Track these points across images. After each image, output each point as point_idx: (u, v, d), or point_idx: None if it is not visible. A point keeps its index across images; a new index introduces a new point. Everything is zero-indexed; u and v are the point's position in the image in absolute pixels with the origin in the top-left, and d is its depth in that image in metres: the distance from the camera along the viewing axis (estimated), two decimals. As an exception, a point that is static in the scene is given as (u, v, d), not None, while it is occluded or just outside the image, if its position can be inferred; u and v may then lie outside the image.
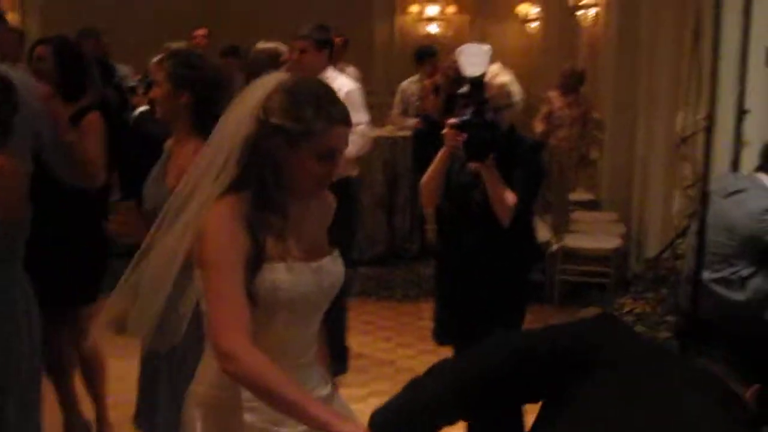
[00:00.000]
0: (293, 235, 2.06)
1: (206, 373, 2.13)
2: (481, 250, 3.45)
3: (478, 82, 3.37)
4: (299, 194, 2.08)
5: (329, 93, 2.09)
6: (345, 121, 2.07)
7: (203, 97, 3.04)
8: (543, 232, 6.35)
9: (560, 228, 7.03)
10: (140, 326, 2.14)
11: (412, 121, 7.79)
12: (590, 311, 5.76)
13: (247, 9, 10.81)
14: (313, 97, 2.03)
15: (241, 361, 1.86)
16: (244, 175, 2.02)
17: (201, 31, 8.47)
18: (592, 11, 8.88)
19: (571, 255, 6.53)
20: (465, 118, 3.30)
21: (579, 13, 9.28)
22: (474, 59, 3.39)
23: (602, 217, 7.39)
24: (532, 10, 11.65)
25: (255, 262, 1.97)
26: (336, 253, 2.16)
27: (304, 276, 2.04)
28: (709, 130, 6.05)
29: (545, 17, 11.04)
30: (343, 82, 4.86)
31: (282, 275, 2.00)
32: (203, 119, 2.95)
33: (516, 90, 3.56)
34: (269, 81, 2.05)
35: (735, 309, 3.91)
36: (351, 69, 7.47)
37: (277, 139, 2.00)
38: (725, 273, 3.99)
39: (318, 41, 4.86)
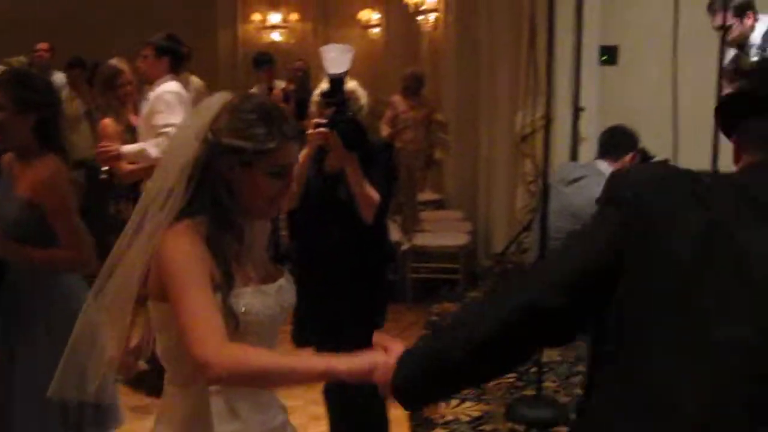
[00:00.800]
0: (249, 258, 2.02)
1: (174, 415, 2.03)
2: (344, 249, 3.51)
3: (339, 81, 3.45)
4: (253, 215, 2.04)
5: (278, 110, 2.05)
6: (296, 137, 2.04)
7: (48, 116, 3.02)
8: (394, 232, 6.48)
9: (410, 228, 7.18)
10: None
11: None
12: (443, 307, 5.93)
13: (91, 22, 10.55)
14: (264, 115, 1.98)
15: (219, 361, 1.79)
16: (196, 200, 1.95)
17: (43, 45, 8.23)
18: (432, 16, 9.10)
19: (421, 254, 6.69)
20: (331, 115, 3.36)
21: (420, 18, 9.49)
22: (336, 58, 3.47)
23: (450, 216, 7.60)
24: (374, 16, 11.82)
25: (225, 287, 1.92)
26: (287, 272, 2.13)
27: (269, 299, 2.00)
28: (547, 127, 6.33)
29: (387, 23, 11.23)
30: (167, 86, 4.80)
31: (251, 300, 1.96)
32: (49, 134, 2.99)
33: (361, 94, 3.66)
34: (215, 102, 2.00)
35: None
36: (194, 78, 7.41)
37: (230, 159, 1.95)
38: None
39: (158, 48, 4.84)
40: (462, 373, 1.72)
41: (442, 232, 7.04)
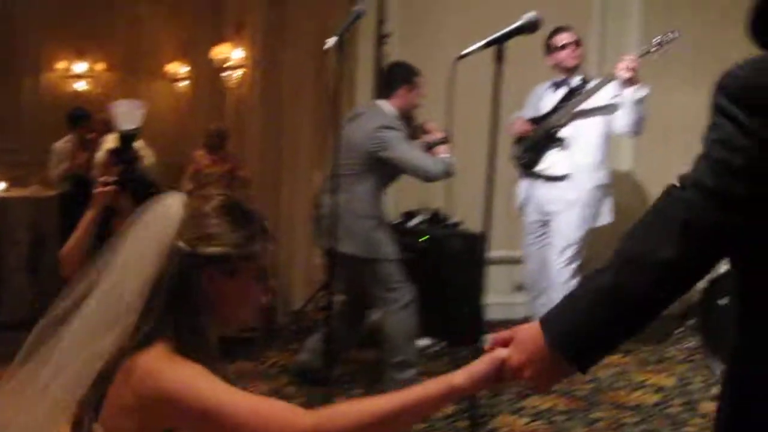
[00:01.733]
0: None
1: None
2: None
3: (131, 137, 3.40)
4: (232, 325, 1.87)
5: (243, 206, 1.89)
6: (269, 233, 1.90)
7: None
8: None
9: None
10: None
11: (56, 177, 7.62)
12: (239, 366, 5.86)
13: None
14: (237, 216, 1.82)
15: (324, 429, 1.62)
16: (164, 319, 1.72)
17: None
18: (239, 72, 9.11)
19: (219, 311, 6.61)
20: (121, 173, 3.27)
21: (226, 73, 9.48)
22: (127, 114, 3.42)
23: (250, 273, 7.55)
24: (182, 69, 11.72)
25: None
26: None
27: None
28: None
29: (194, 76, 11.15)
30: None
31: None
32: None
33: (148, 153, 3.62)
34: (171, 209, 1.78)
35: None
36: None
37: (210, 269, 1.76)
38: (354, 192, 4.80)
39: None
40: (644, 306, 1.63)
41: (241, 289, 6.98)
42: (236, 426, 1.63)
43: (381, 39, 6.17)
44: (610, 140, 5.59)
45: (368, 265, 4.87)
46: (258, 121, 7.76)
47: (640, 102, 5.26)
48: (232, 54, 9.24)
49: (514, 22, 3.25)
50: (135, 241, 1.76)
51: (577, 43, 5.58)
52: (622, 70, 5.17)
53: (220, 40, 9.74)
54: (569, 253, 5.56)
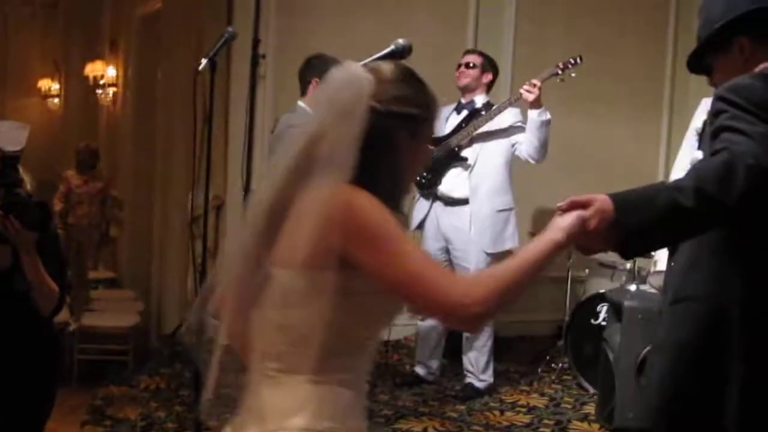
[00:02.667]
0: None
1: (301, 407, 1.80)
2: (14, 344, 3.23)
3: (15, 159, 3.25)
4: (406, 189, 1.96)
5: (418, 75, 1.98)
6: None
7: None
8: (61, 312, 6.22)
9: (79, 307, 6.90)
10: None
11: None
12: (109, 390, 5.72)
13: None
14: (419, 81, 1.94)
15: (473, 299, 1.72)
16: (365, 174, 1.80)
17: None
18: (111, 90, 8.96)
19: (90, 334, 6.44)
20: (4, 196, 3.11)
21: (99, 91, 9.30)
22: (10, 135, 3.27)
23: (121, 295, 7.40)
24: (54, 86, 11.44)
25: None
26: None
27: None
28: (219, 209, 6.39)
29: (66, 94, 10.90)
30: None
31: None
32: None
33: (27, 177, 3.48)
34: (358, 75, 1.88)
35: None
36: None
37: (401, 128, 1.87)
38: None
39: None
40: (702, 229, 2.05)
41: (113, 312, 6.83)
42: (393, 271, 1.75)
43: (255, 59, 6.14)
44: (511, 164, 5.55)
45: None
46: (131, 140, 7.64)
47: (543, 126, 5.27)
48: (105, 71, 9.08)
49: (388, 45, 3.29)
50: (331, 105, 1.86)
51: (468, 65, 5.59)
52: (525, 92, 5.21)
53: (93, 57, 9.56)
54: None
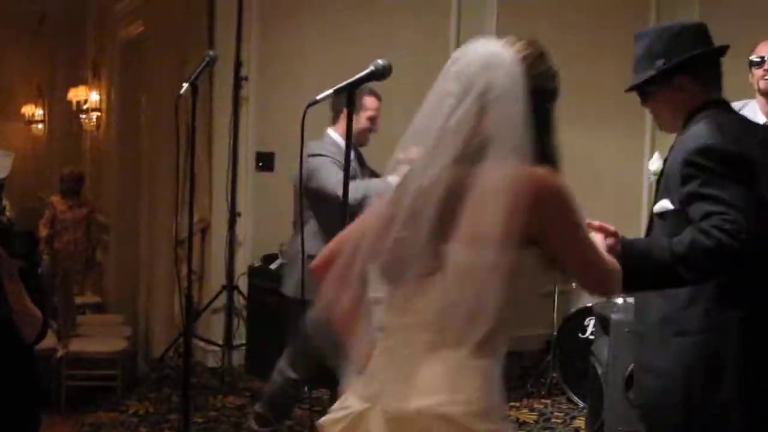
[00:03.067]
0: None
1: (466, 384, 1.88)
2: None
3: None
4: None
5: None
6: None
7: None
8: (48, 338, 6.19)
9: (66, 333, 6.87)
10: None
11: None
12: (98, 416, 5.69)
13: None
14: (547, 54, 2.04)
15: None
16: (534, 154, 1.91)
17: None
18: (95, 115, 8.96)
19: (77, 359, 6.41)
20: None
21: (83, 116, 9.30)
22: None
23: (109, 320, 7.36)
24: (38, 112, 11.43)
25: None
26: None
27: None
28: (204, 232, 6.39)
29: (49, 119, 10.89)
30: None
31: None
32: None
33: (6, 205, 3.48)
34: (503, 54, 1.97)
35: None
36: None
37: (550, 102, 2.01)
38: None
39: None
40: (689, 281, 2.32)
41: (100, 337, 6.80)
42: (578, 249, 1.93)
43: (238, 81, 6.17)
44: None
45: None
46: (115, 165, 7.64)
47: None
48: (89, 96, 9.08)
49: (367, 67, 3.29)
50: (485, 87, 1.92)
51: None
52: None
53: (77, 82, 9.56)
54: None
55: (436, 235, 1.89)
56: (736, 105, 3.68)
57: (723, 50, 2.63)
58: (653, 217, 2.59)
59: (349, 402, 1.98)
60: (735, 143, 2.40)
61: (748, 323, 2.39)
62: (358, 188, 4.01)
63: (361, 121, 4.48)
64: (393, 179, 3.40)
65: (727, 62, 2.68)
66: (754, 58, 3.91)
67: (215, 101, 6.34)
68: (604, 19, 6.96)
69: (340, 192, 4.06)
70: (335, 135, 4.57)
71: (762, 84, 3.88)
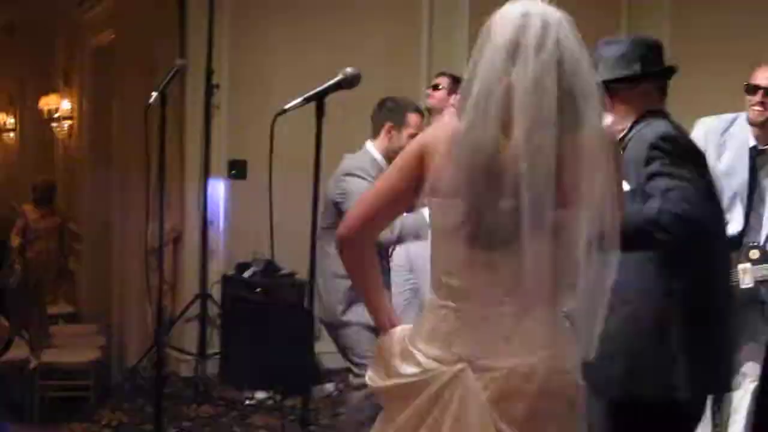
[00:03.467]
0: None
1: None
2: None
3: None
4: None
5: None
6: None
7: None
8: (20, 348, 6.16)
9: (39, 344, 6.82)
10: None
11: None
12: (72, 427, 5.66)
13: None
14: None
15: None
16: None
17: None
18: (66, 123, 8.90)
19: (51, 370, 6.37)
20: None
21: (54, 125, 9.24)
22: None
23: (82, 330, 7.33)
24: (9, 120, 11.35)
25: None
26: None
27: None
28: (177, 240, 6.37)
29: (21, 128, 10.82)
30: None
31: None
32: None
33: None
34: (555, 12, 1.99)
35: None
36: None
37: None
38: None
39: None
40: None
41: (73, 347, 6.75)
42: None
43: (210, 89, 6.15)
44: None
45: (340, 329, 4.27)
46: (88, 173, 7.60)
47: None
48: (60, 104, 9.03)
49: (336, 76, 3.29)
50: (556, 50, 1.95)
51: (436, 87, 5.42)
52: None
53: (48, 90, 9.50)
54: None
55: (547, 202, 1.92)
56: (728, 116, 3.85)
57: (675, 69, 3.05)
58: None
59: (421, 365, 2.02)
60: (689, 139, 2.91)
61: (689, 292, 2.73)
62: (393, 227, 3.90)
63: (402, 138, 4.23)
64: (426, 211, 3.43)
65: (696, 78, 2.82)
66: (750, 83, 3.94)
67: (187, 109, 6.32)
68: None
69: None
70: (374, 152, 4.29)
71: (751, 114, 3.94)
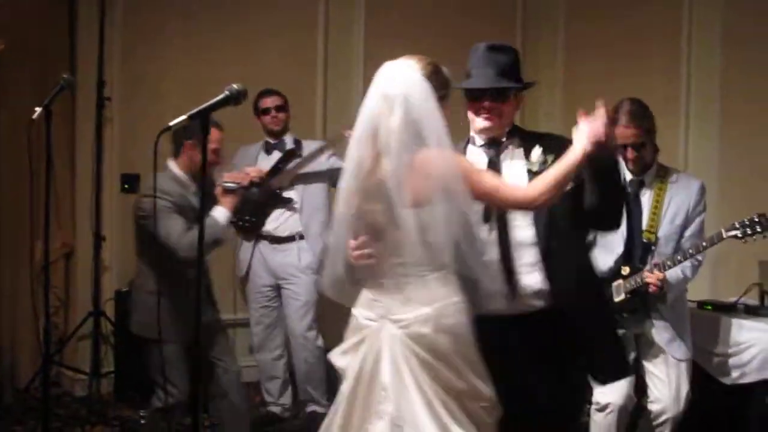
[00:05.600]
0: None
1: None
2: None
3: None
4: None
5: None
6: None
7: None
8: None
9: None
10: None
11: None
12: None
13: None
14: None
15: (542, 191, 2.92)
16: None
17: None
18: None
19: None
20: None
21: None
22: None
23: (-28, 350, 7.08)
24: None
25: None
26: None
27: None
28: (69, 256, 6.21)
29: None
30: None
31: None
32: None
33: None
34: (414, 73, 3.00)
35: None
36: None
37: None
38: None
39: None
40: None
41: (-37, 368, 6.53)
42: (482, 187, 2.95)
43: (101, 102, 6.04)
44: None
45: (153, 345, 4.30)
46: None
47: None
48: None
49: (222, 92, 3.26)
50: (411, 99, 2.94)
51: (278, 108, 5.60)
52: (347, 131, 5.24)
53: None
54: (309, 317, 5.61)
55: (398, 205, 2.88)
56: None
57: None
58: None
59: (361, 322, 3.02)
60: None
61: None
62: (193, 242, 3.78)
63: (209, 155, 4.09)
64: (219, 213, 4.44)
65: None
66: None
67: (78, 122, 6.20)
68: (466, 38, 7.09)
69: (177, 244, 4.28)
70: (176, 169, 4.47)
71: (627, 167, 4.29)
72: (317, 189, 5.58)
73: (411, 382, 2.83)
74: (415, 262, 2.88)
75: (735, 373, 4.46)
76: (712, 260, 5.15)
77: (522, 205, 3.01)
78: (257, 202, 5.45)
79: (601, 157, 2.95)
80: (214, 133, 4.35)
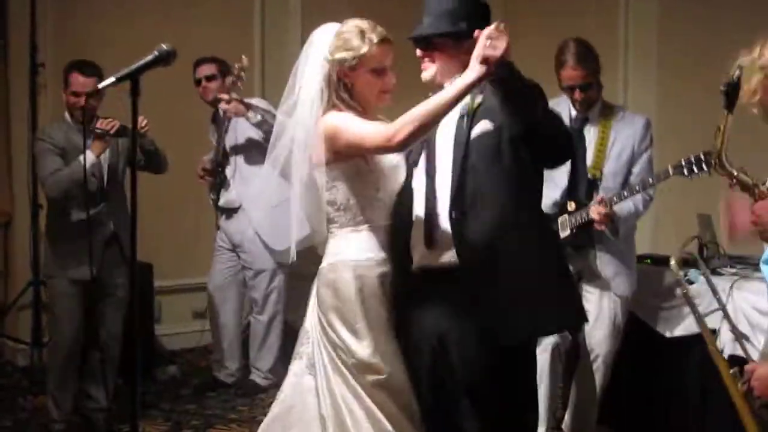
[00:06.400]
0: None
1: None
2: None
3: None
4: (370, 106, 3.05)
5: (369, 22, 3.02)
6: (386, 39, 3.01)
7: None
8: None
9: None
10: None
11: None
12: None
13: None
14: (356, 29, 2.99)
15: (397, 128, 2.76)
16: (330, 102, 3.01)
17: None
18: None
19: None
20: None
21: None
22: None
23: None
24: None
25: None
26: None
27: None
28: (7, 226, 6.11)
29: None
30: None
31: None
32: None
33: None
34: (325, 34, 3.05)
35: None
36: None
37: (343, 68, 2.98)
38: None
39: None
40: None
41: None
42: (355, 139, 2.92)
43: (34, 68, 5.91)
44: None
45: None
46: None
47: None
48: None
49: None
50: (308, 58, 3.09)
51: (209, 78, 5.50)
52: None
53: None
54: (264, 282, 5.59)
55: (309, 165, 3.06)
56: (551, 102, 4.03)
57: None
58: (468, 143, 2.92)
59: None
60: None
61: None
62: (59, 181, 4.63)
63: (70, 99, 4.72)
64: (86, 156, 4.42)
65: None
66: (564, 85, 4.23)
67: (12, 88, 6.09)
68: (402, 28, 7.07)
69: (45, 183, 4.75)
70: (67, 117, 4.82)
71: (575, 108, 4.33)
72: (252, 158, 5.44)
73: (315, 328, 3.06)
74: (330, 218, 3.06)
75: (674, 326, 4.51)
76: (653, 214, 5.20)
77: (381, 148, 2.86)
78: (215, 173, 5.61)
79: (507, 79, 2.67)
80: (77, 78, 4.69)
